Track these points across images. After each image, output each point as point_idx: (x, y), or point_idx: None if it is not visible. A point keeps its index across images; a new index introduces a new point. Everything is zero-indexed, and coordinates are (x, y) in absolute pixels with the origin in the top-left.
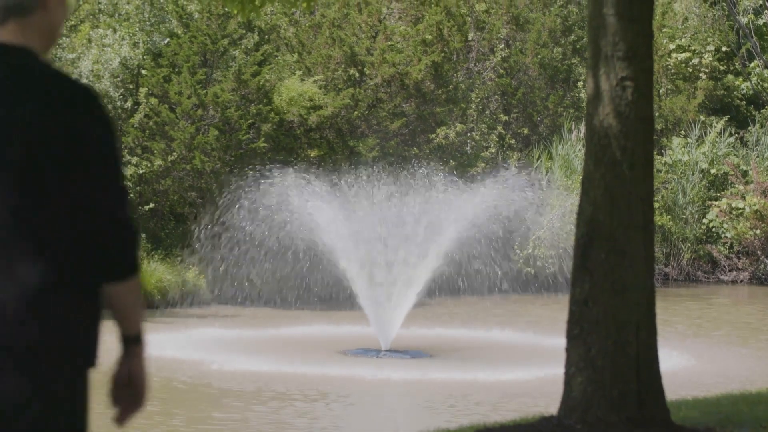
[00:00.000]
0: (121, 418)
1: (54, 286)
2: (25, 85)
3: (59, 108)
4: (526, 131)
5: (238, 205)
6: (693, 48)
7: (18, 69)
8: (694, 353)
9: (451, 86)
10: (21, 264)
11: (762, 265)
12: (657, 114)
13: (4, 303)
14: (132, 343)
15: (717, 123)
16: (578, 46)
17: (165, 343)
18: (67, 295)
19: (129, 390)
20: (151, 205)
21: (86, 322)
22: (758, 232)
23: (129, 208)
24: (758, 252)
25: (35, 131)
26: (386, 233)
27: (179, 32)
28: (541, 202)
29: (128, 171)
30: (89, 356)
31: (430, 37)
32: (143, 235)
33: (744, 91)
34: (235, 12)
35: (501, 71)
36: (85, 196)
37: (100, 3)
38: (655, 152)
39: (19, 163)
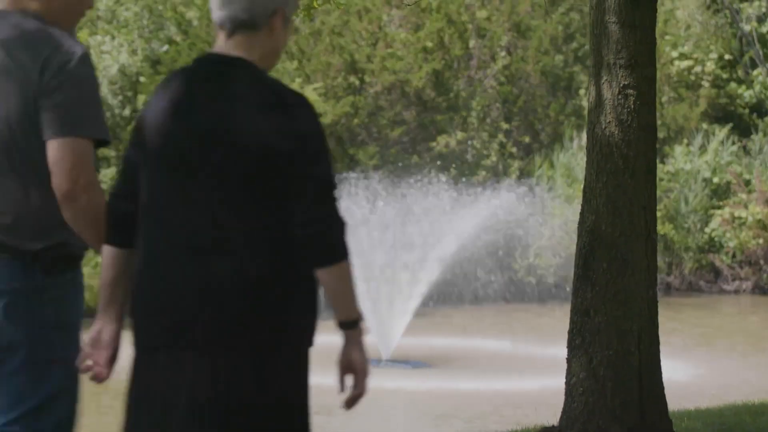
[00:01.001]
0: (348, 403)
1: (270, 274)
2: (244, 92)
3: (274, 112)
4: (527, 139)
5: None
6: (695, 56)
7: (239, 78)
8: (697, 363)
9: (451, 94)
10: (239, 255)
11: (765, 275)
12: (659, 122)
13: (226, 292)
14: (348, 328)
15: (720, 131)
16: (580, 54)
17: None
18: (283, 282)
19: (353, 376)
20: None
21: (302, 306)
22: (761, 241)
23: (336, 200)
24: (761, 261)
25: (253, 133)
26: (387, 241)
27: (178, 39)
28: (542, 211)
29: None
30: (306, 337)
31: (430, 44)
32: None
33: (747, 99)
34: None
35: (502, 79)
36: (296, 190)
37: (98, 10)
38: (657, 160)
39: (239, 161)
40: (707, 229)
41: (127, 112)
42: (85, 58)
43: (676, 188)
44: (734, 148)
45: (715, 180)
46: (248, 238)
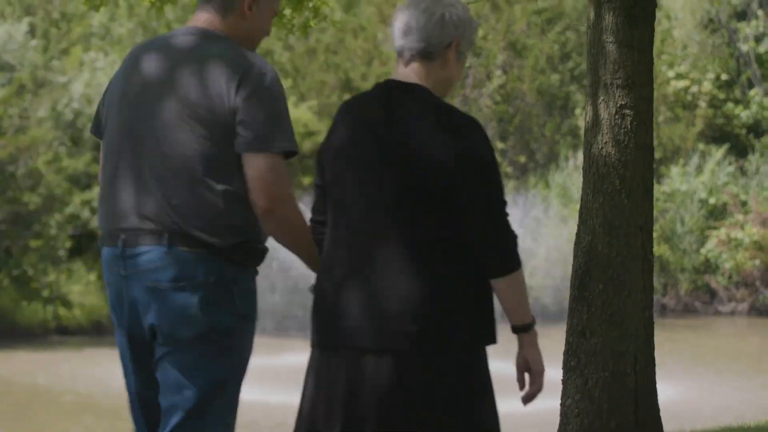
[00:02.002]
0: (526, 399)
1: (445, 283)
2: (421, 115)
3: (449, 134)
4: (522, 159)
5: None
6: (692, 76)
7: (416, 102)
8: (693, 385)
9: None
10: (417, 265)
11: (761, 296)
12: (656, 142)
13: (413, 299)
14: (522, 331)
15: (716, 152)
16: (576, 73)
17: None
18: (457, 290)
19: (529, 374)
20: None
21: (476, 310)
22: (757, 262)
23: (507, 214)
24: (757, 283)
25: (430, 154)
26: None
27: None
28: (537, 231)
29: None
30: (487, 336)
31: None
32: None
33: (744, 120)
34: None
35: (498, 98)
36: (471, 206)
37: (92, 26)
38: (654, 181)
39: (418, 180)
40: (703, 250)
41: None
42: (276, 76)
43: (672, 209)
44: (731, 168)
45: (712, 201)
46: (425, 250)
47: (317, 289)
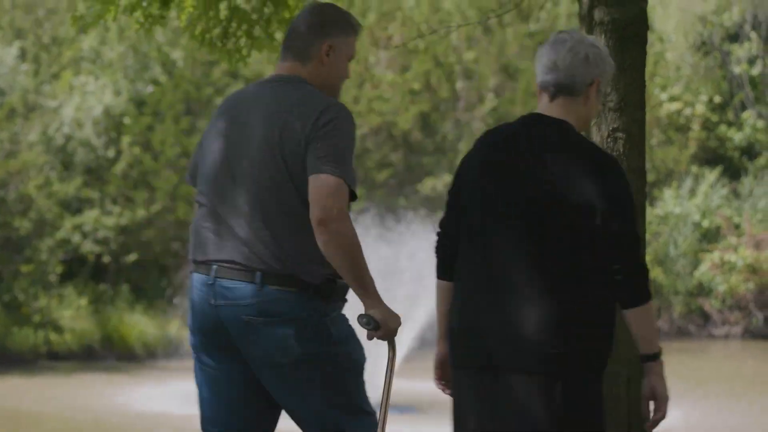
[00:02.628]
0: (652, 425)
1: (578, 311)
2: (563, 150)
3: (592, 170)
4: None
5: None
6: (685, 98)
7: (562, 135)
8: (687, 408)
9: (438, 136)
10: (557, 292)
11: (755, 320)
12: (648, 165)
13: (549, 323)
14: (649, 360)
15: (709, 174)
16: None
17: (149, 396)
18: (589, 318)
19: (654, 402)
20: (134, 256)
21: (603, 338)
22: (751, 285)
23: (641, 249)
24: (750, 306)
25: (571, 189)
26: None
27: (163, 80)
28: None
29: (110, 221)
30: (604, 361)
31: (418, 86)
32: (126, 286)
33: (737, 142)
34: (222, 61)
35: (490, 121)
36: (607, 241)
37: (82, 50)
38: (646, 204)
39: (558, 213)
40: (696, 273)
41: (111, 153)
42: (350, 119)
43: (665, 232)
44: (724, 191)
45: (705, 223)
46: (561, 277)
47: (455, 313)
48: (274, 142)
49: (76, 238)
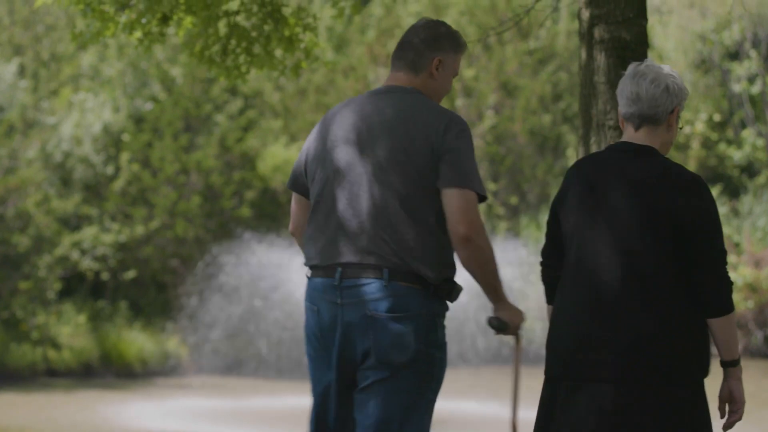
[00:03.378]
0: (727, 426)
1: (679, 320)
2: (657, 173)
3: (682, 190)
4: (514, 200)
5: (220, 275)
6: (685, 116)
7: (651, 161)
8: None
9: None
10: (654, 305)
11: (754, 338)
12: None
13: (647, 335)
14: (730, 366)
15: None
16: (568, 114)
17: (147, 413)
18: (689, 326)
19: (730, 404)
20: (133, 273)
21: (698, 347)
22: (751, 304)
23: (726, 262)
24: (750, 325)
25: (669, 210)
26: None
27: (162, 97)
28: (528, 272)
29: (109, 238)
30: (705, 368)
31: None
32: (124, 303)
33: (737, 160)
34: (221, 78)
35: (489, 138)
36: (700, 255)
37: (81, 67)
38: None
39: (654, 232)
40: None
41: (110, 170)
42: (469, 128)
43: None
44: (724, 209)
45: None
46: (658, 291)
47: (556, 325)
48: (400, 148)
49: (74, 255)
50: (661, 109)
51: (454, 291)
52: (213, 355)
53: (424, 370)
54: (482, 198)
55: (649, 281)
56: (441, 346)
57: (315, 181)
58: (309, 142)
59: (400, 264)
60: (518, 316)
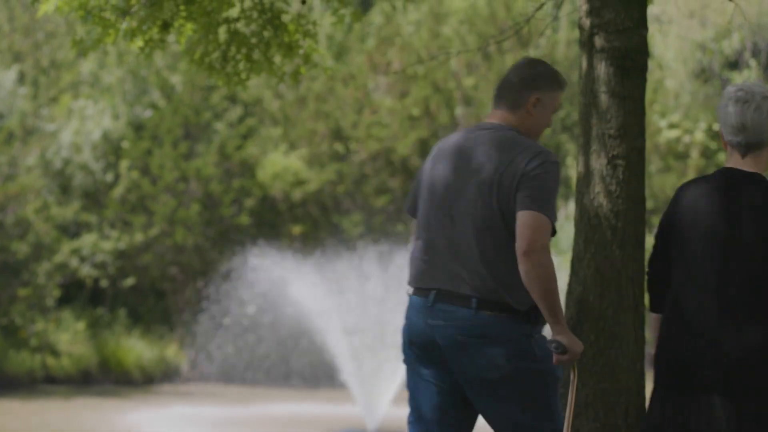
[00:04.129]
0: None
1: None
2: (759, 201)
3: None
4: None
5: (219, 282)
6: (685, 125)
7: (754, 190)
8: None
9: None
10: (756, 320)
11: None
12: (648, 192)
13: (751, 347)
14: None
15: None
16: (568, 123)
17: (146, 420)
18: None
19: None
20: (132, 281)
21: None
22: None
23: None
24: None
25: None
26: (373, 310)
27: (161, 104)
28: None
29: (108, 245)
30: None
31: (417, 111)
32: (123, 311)
33: None
34: (221, 83)
35: None
36: None
37: (81, 74)
38: (645, 232)
39: (747, 258)
40: None
41: (109, 177)
42: (557, 162)
43: None
44: None
45: None
46: (760, 307)
47: (666, 336)
48: (490, 184)
49: (73, 262)
50: (766, 135)
51: (539, 316)
52: (211, 363)
53: (530, 384)
54: (553, 231)
55: (753, 297)
56: (543, 358)
57: (420, 209)
58: (422, 170)
59: (489, 295)
60: (577, 344)
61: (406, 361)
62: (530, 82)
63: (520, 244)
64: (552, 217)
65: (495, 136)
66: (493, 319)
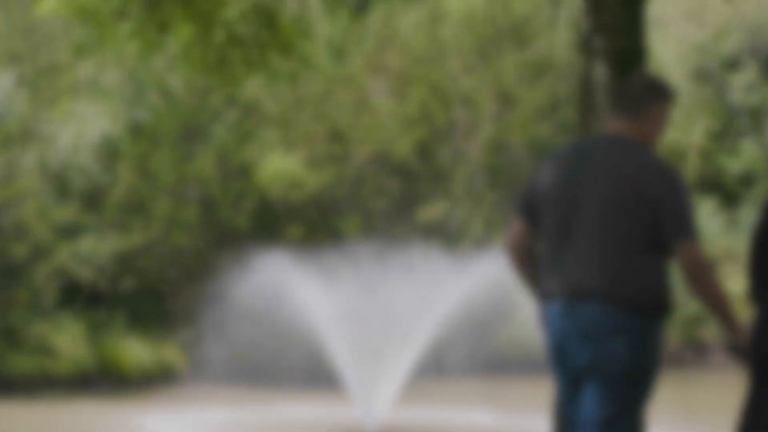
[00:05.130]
0: None
1: None
2: None
3: None
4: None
5: (218, 285)
6: (683, 127)
7: None
8: None
9: (436, 163)
10: None
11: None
12: None
13: None
14: None
15: (707, 203)
16: (567, 124)
17: (145, 422)
18: None
19: None
20: (130, 283)
21: None
22: (748, 314)
23: None
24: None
25: None
26: (372, 312)
27: (160, 106)
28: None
29: (106, 247)
30: None
31: (415, 113)
32: (122, 313)
33: (735, 171)
34: (218, 85)
35: (487, 148)
36: None
37: (79, 76)
38: None
39: None
40: (694, 303)
41: (108, 179)
42: (679, 176)
43: None
44: (722, 220)
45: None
46: None
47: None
48: (623, 195)
49: (72, 264)
50: None
51: (663, 311)
52: (210, 365)
53: (636, 380)
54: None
55: None
56: (653, 359)
57: (547, 217)
58: (544, 176)
59: (617, 293)
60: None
61: (551, 363)
62: (647, 94)
63: (691, 272)
64: (694, 233)
65: (626, 149)
66: (620, 315)
